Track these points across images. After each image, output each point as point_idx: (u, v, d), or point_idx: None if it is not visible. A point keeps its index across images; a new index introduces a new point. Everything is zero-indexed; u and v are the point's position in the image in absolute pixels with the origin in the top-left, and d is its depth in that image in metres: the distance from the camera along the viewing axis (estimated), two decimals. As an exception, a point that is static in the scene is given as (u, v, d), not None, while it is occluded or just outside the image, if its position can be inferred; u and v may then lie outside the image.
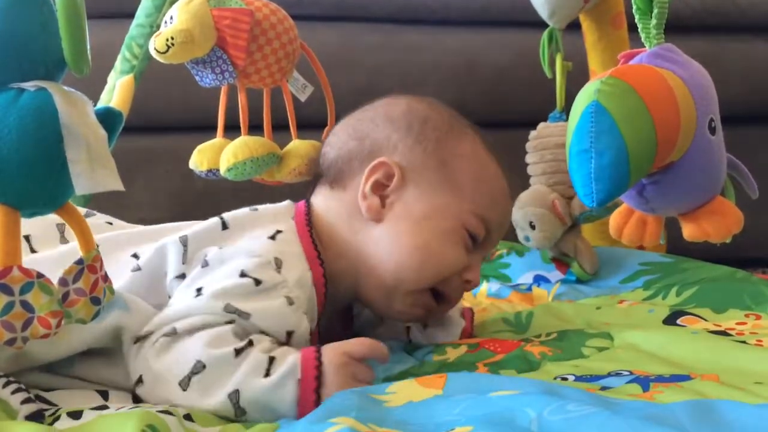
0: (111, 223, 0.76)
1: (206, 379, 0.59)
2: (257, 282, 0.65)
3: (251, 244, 0.68)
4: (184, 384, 0.59)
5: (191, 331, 0.61)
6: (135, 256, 0.69)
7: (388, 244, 0.73)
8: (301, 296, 0.67)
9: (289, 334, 0.65)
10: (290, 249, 0.70)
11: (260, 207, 0.75)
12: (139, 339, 0.62)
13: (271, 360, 0.60)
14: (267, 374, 0.59)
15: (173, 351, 0.60)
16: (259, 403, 0.59)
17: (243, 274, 0.65)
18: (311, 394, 0.59)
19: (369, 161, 0.75)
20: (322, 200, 0.77)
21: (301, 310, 0.66)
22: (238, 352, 0.60)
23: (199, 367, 0.59)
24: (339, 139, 0.79)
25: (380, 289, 0.74)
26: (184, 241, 0.69)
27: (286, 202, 0.77)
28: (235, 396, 0.58)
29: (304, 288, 0.68)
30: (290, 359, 0.60)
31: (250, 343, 0.61)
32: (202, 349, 0.59)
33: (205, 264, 0.66)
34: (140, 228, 0.76)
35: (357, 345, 0.63)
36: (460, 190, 0.74)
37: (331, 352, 0.62)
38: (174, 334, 0.61)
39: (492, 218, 0.76)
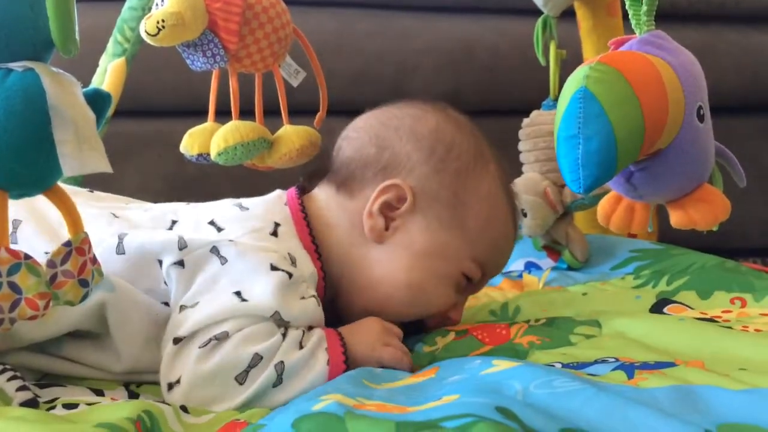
0: (92, 191, 0.76)
1: (262, 367, 0.60)
2: (290, 275, 0.65)
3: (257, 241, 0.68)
4: (242, 378, 0.60)
5: (239, 330, 0.61)
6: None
7: (381, 271, 0.71)
8: (314, 292, 0.68)
9: (310, 327, 0.65)
10: (292, 243, 0.69)
11: (248, 204, 0.73)
12: (179, 340, 0.61)
13: (303, 332, 0.64)
14: (300, 347, 0.63)
15: (222, 350, 0.60)
16: (295, 372, 0.61)
17: (274, 267, 0.65)
18: (339, 354, 0.63)
19: (383, 175, 0.72)
20: (324, 198, 0.74)
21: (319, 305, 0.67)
22: (283, 335, 0.63)
23: (257, 359, 0.60)
24: (359, 139, 0.75)
25: (361, 310, 0.72)
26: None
27: (276, 192, 0.75)
28: (280, 366, 0.61)
29: (314, 284, 0.69)
30: (316, 331, 0.65)
31: (288, 327, 0.64)
32: (255, 344, 0.61)
33: (224, 260, 0.65)
34: (118, 202, 0.76)
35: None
36: (466, 232, 0.72)
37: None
38: (226, 338, 0.61)
39: (491, 264, 0.75)
